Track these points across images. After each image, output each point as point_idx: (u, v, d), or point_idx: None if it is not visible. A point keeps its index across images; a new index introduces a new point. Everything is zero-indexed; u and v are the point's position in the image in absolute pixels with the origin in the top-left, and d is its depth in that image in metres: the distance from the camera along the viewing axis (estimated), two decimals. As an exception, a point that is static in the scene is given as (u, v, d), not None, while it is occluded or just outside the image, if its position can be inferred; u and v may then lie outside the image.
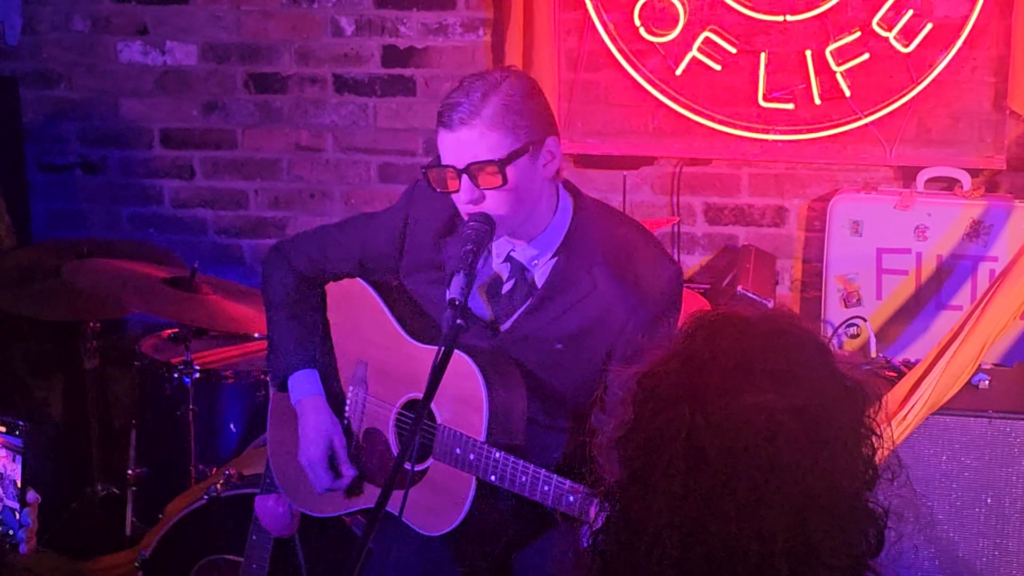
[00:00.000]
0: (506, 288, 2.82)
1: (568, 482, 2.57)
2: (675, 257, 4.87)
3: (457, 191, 2.68)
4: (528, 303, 2.80)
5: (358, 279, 3.06)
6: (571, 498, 2.56)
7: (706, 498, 1.57)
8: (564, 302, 2.77)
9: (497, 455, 2.65)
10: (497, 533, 2.88)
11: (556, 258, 2.79)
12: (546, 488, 2.59)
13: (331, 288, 3.12)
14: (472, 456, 2.69)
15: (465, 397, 2.68)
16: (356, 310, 3.05)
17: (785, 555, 1.56)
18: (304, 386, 3.03)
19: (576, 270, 2.77)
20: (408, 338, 2.92)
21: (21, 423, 2.46)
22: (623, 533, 1.65)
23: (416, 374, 2.86)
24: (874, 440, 1.66)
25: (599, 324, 2.75)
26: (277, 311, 3.09)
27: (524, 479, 2.62)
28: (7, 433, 2.46)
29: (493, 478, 2.66)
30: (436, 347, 2.80)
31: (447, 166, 2.67)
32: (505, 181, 2.65)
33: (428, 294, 2.92)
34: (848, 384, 1.67)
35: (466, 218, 2.71)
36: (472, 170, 2.64)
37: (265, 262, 3.16)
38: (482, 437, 2.69)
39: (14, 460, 2.46)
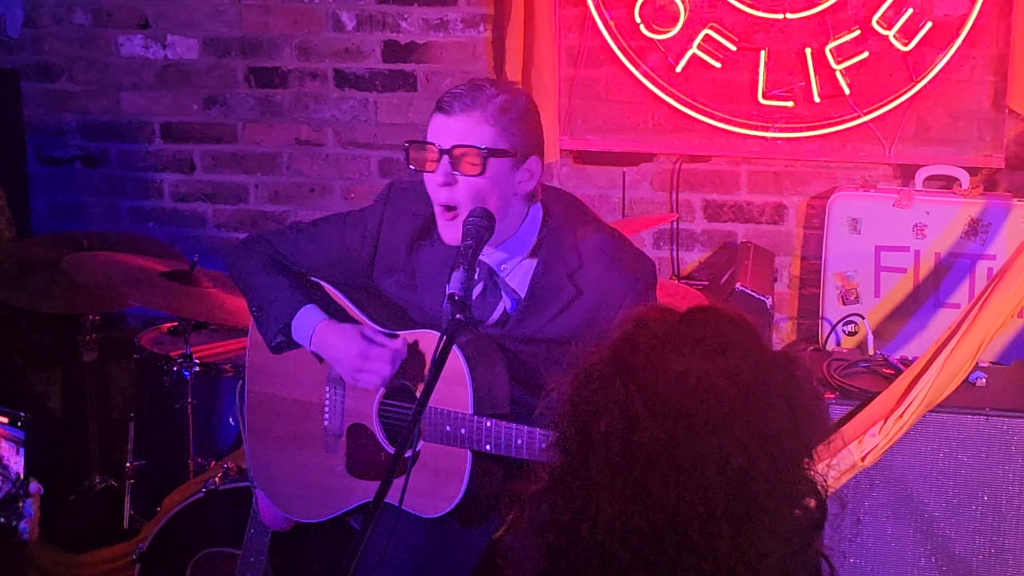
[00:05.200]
0: (476, 291, 2.85)
1: None
2: (674, 254, 4.89)
3: (433, 172, 2.73)
4: (515, 310, 2.84)
5: (320, 281, 3.06)
6: None
7: (644, 462, 1.60)
8: (551, 309, 2.81)
9: (488, 423, 2.69)
10: (496, 520, 2.89)
11: (533, 263, 2.83)
12: (544, 446, 2.59)
13: None
14: (463, 430, 2.72)
15: (447, 375, 2.67)
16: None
17: (727, 517, 1.58)
18: (310, 320, 2.95)
19: (556, 276, 2.81)
20: (375, 327, 2.93)
21: (23, 415, 2.46)
22: (566, 514, 1.67)
23: None
24: (811, 405, 1.68)
25: (589, 325, 2.77)
26: (257, 278, 3.03)
27: (520, 441, 2.65)
28: (10, 425, 2.46)
29: (488, 447, 2.69)
30: (406, 331, 2.86)
31: (430, 143, 2.73)
32: (483, 171, 2.70)
33: (399, 297, 2.96)
34: (777, 352, 1.71)
35: (435, 202, 2.76)
36: (455, 153, 2.70)
37: (232, 252, 3.12)
38: (470, 410, 2.73)
39: (17, 452, 2.46)
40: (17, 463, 2.47)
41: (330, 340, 2.93)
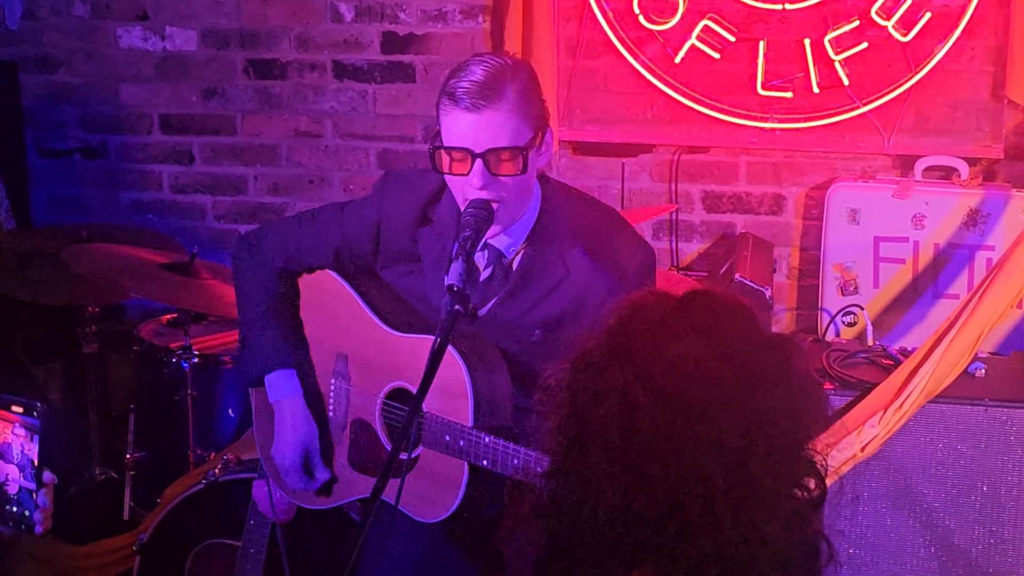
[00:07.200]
0: (483, 276, 2.81)
1: None
2: (673, 245, 4.89)
3: (465, 175, 2.64)
4: (503, 290, 2.79)
5: (329, 271, 3.02)
6: None
7: (644, 446, 1.61)
8: (538, 289, 2.76)
9: (487, 439, 2.62)
10: (495, 524, 2.88)
11: (527, 245, 2.78)
12: (539, 470, 2.58)
13: (303, 280, 3.08)
14: (462, 442, 2.67)
15: (448, 385, 2.66)
16: (330, 302, 3.03)
17: (726, 499, 1.59)
18: (282, 386, 3.01)
19: (547, 256, 2.76)
20: (385, 327, 2.90)
21: (39, 404, 2.46)
22: (567, 500, 1.67)
23: (396, 363, 2.86)
24: (807, 386, 1.69)
25: (575, 310, 2.74)
26: (251, 308, 3.05)
27: (517, 462, 2.59)
28: (25, 414, 2.45)
29: (485, 463, 2.63)
30: (414, 335, 2.80)
31: (461, 148, 2.62)
32: (525, 169, 2.63)
33: (406, 285, 2.91)
34: (772, 335, 1.71)
35: (462, 206, 2.69)
36: (490, 156, 2.61)
37: (235, 256, 3.09)
38: (470, 422, 2.68)
39: (32, 440, 2.46)
40: (31, 452, 2.46)
41: (285, 421, 3.01)
